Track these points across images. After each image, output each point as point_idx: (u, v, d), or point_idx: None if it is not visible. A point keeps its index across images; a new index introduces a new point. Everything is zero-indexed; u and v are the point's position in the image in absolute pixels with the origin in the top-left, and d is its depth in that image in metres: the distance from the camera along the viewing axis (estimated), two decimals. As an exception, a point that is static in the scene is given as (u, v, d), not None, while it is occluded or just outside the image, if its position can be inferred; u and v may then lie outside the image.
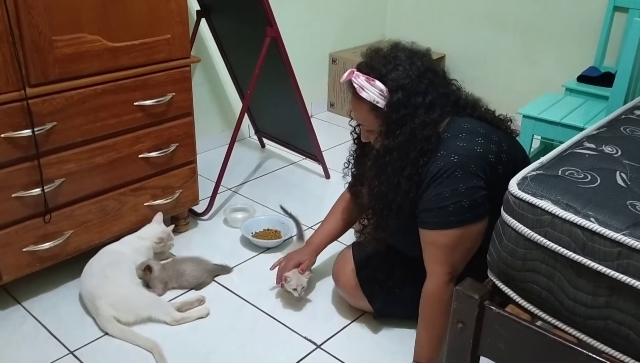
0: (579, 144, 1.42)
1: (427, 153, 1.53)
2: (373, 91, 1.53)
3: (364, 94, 1.53)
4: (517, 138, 1.72)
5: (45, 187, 1.79)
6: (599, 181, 1.24)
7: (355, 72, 1.56)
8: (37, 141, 1.71)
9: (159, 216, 2.10)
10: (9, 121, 1.67)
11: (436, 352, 1.63)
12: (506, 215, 1.24)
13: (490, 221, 1.54)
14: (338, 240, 2.01)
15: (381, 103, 1.53)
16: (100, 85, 1.83)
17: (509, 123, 1.70)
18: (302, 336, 1.83)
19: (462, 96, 1.66)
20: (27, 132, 1.69)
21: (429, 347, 1.64)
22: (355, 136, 1.78)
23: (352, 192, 1.88)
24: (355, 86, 1.54)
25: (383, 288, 1.81)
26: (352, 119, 1.72)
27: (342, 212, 1.96)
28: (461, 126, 1.55)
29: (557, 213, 1.14)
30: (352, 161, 1.83)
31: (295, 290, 1.87)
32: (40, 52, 1.67)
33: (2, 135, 1.66)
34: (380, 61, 1.55)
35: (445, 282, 1.57)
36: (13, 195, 1.74)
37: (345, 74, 1.57)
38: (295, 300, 1.95)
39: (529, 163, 1.69)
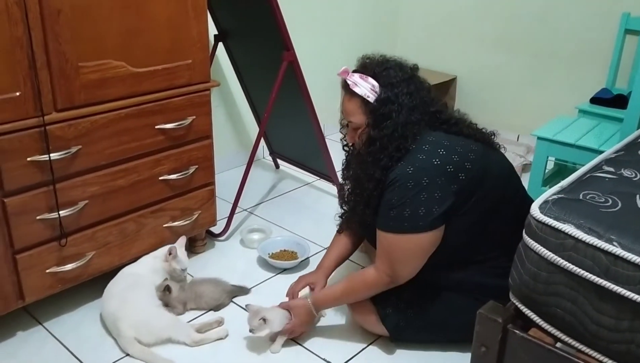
0: (598, 168, 1.44)
1: (402, 150, 1.65)
2: (365, 86, 1.67)
3: (356, 89, 1.68)
4: (499, 149, 1.81)
5: (69, 209, 1.82)
6: (620, 205, 1.25)
7: (350, 72, 1.72)
8: (52, 166, 1.74)
9: (182, 240, 2.11)
10: (35, 145, 1.70)
11: (327, 306, 1.90)
12: (528, 239, 1.25)
13: (468, 225, 1.66)
14: (351, 259, 2.05)
15: (371, 98, 1.67)
16: (123, 109, 1.86)
17: (492, 136, 1.80)
18: (320, 358, 1.84)
19: (444, 111, 1.76)
20: (53, 155, 1.72)
21: (330, 301, 1.85)
22: (345, 143, 1.91)
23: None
24: (349, 82, 1.69)
25: (395, 310, 1.82)
26: (342, 127, 1.84)
27: (346, 235, 2.02)
28: (426, 139, 1.67)
29: (580, 237, 1.16)
30: (345, 171, 1.93)
31: (251, 328, 1.78)
32: (67, 79, 1.71)
33: (28, 159, 1.70)
34: (374, 63, 1.72)
35: (384, 281, 1.71)
36: (37, 217, 1.76)
37: (341, 70, 1.72)
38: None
39: (507, 172, 1.77)
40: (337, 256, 2.02)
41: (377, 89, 1.67)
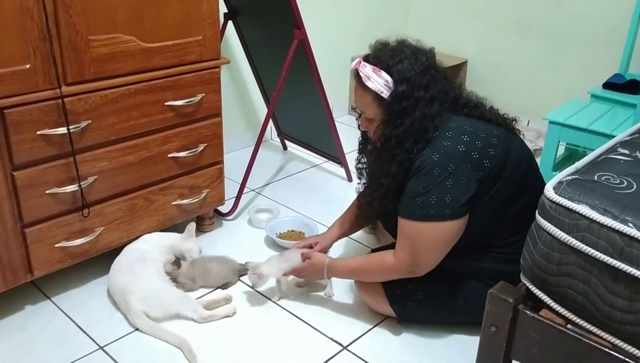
0: (612, 149, 1.42)
1: (423, 142, 1.61)
2: (379, 81, 1.61)
3: (369, 84, 1.61)
4: (518, 135, 1.78)
5: (78, 184, 1.81)
6: (635, 186, 1.24)
7: (362, 62, 1.64)
8: (62, 140, 1.73)
9: (191, 226, 2.10)
10: (45, 118, 1.69)
11: (338, 274, 1.85)
12: (541, 219, 1.24)
13: (490, 212, 1.64)
14: (358, 241, 2.09)
15: (385, 93, 1.61)
16: (133, 85, 1.85)
17: (513, 122, 1.77)
18: (328, 337, 1.84)
19: (463, 95, 1.73)
20: (62, 130, 1.72)
21: (343, 271, 1.82)
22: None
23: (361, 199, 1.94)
24: (362, 75, 1.62)
25: (404, 292, 1.82)
26: (356, 108, 1.79)
27: (354, 212, 2.02)
28: (449, 126, 1.62)
29: (595, 218, 1.14)
30: (360, 152, 1.93)
31: (252, 284, 1.91)
32: (77, 52, 1.70)
33: (37, 132, 1.69)
34: (387, 53, 1.63)
35: (404, 270, 1.67)
36: (47, 192, 1.76)
37: (353, 63, 1.66)
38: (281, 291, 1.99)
39: (528, 157, 1.74)
40: (341, 228, 2.05)
41: (391, 85, 1.60)
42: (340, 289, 2.04)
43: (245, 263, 1.94)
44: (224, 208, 2.45)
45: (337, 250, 2.27)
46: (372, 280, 1.82)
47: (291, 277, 1.99)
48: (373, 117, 1.68)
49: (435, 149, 1.58)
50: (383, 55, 1.63)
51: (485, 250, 1.72)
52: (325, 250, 2.04)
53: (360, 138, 1.92)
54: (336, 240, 2.07)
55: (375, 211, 1.78)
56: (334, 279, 1.97)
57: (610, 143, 1.48)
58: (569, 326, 1.24)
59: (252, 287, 1.91)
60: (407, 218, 1.62)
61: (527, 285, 1.30)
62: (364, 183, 1.88)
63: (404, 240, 1.65)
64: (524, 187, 1.68)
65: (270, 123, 3.12)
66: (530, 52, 3.46)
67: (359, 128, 1.86)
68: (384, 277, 1.77)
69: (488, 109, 1.73)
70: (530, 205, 1.60)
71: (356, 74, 1.65)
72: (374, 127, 1.70)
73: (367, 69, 1.62)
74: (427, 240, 1.61)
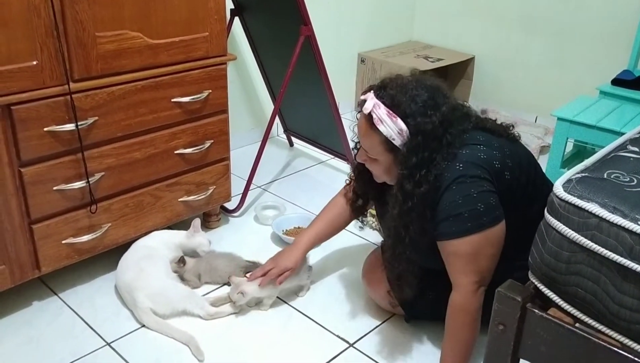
0: (622, 147, 1.41)
1: (438, 182, 1.51)
2: (392, 128, 1.50)
3: (381, 128, 1.50)
4: (519, 140, 1.70)
5: (85, 181, 1.81)
6: (645, 185, 1.22)
7: (377, 102, 1.51)
8: (69, 136, 1.74)
9: (196, 221, 2.10)
10: (52, 115, 1.70)
11: None
12: (550, 217, 1.23)
13: (515, 220, 1.54)
14: (364, 237, 2.04)
15: (397, 141, 1.51)
16: (140, 81, 1.85)
17: (510, 129, 1.68)
18: (334, 334, 1.84)
19: (472, 115, 1.64)
20: (70, 126, 1.72)
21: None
22: (357, 151, 1.73)
23: (353, 208, 1.86)
24: (375, 116, 1.50)
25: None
26: (357, 142, 1.68)
27: (336, 215, 1.91)
28: (462, 137, 1.54)
29: (604, 216, 1.13)
30: (354, 178, 1.81)
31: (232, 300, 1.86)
32: (84, 48, 1.70)
33: (45, 129, 1.69)
34: (405, 99, 1.50)
35: (472, 292, 1.53)
36: (54, 188, 1.77)
37: (369, 104, 1.51)
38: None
39: (534, 162, 1.69)
40: (320, 235, 1.89)
41: (406, 135, 1.49)
42: (347, 286, 2.04)
43: (229, 277, 1.91)
44: (230, 205, 2.45)
45: (338, 250, 2.27)
46: (467, 334, 1.58)
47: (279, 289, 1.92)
48: (377, 158, 1.59)
49: (456, 161, 1.50)
50: (400, 99, 1.50)
51: (503, 260, 1.62)
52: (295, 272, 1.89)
53: (357, 165, 1.75)
54: (311, 248, 1.89)
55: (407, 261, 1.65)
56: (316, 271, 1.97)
57: (620, 140, 1.46)
58: (577, 325, 1.23)
59: (233, 302, 1.87)
60: (459, 236, 1.49)
61: (536, 283, 1.29)
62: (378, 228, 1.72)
63: (459, 262, 1.52)
64: (535, 192, 1.62)
65: (277, 119, 3.12)
66: (538, 48, 3.44)
67: (355, 159, 1.74)
68: (471, 317, 1.55)
69: (484, 120, 1.66)
70: (541, 211, 1.57)
71: (368, 114, 1.52)
72: (378, 168, 1.62)
73: (381, 112, 1.49)
74: (488, 248, 1.51)
